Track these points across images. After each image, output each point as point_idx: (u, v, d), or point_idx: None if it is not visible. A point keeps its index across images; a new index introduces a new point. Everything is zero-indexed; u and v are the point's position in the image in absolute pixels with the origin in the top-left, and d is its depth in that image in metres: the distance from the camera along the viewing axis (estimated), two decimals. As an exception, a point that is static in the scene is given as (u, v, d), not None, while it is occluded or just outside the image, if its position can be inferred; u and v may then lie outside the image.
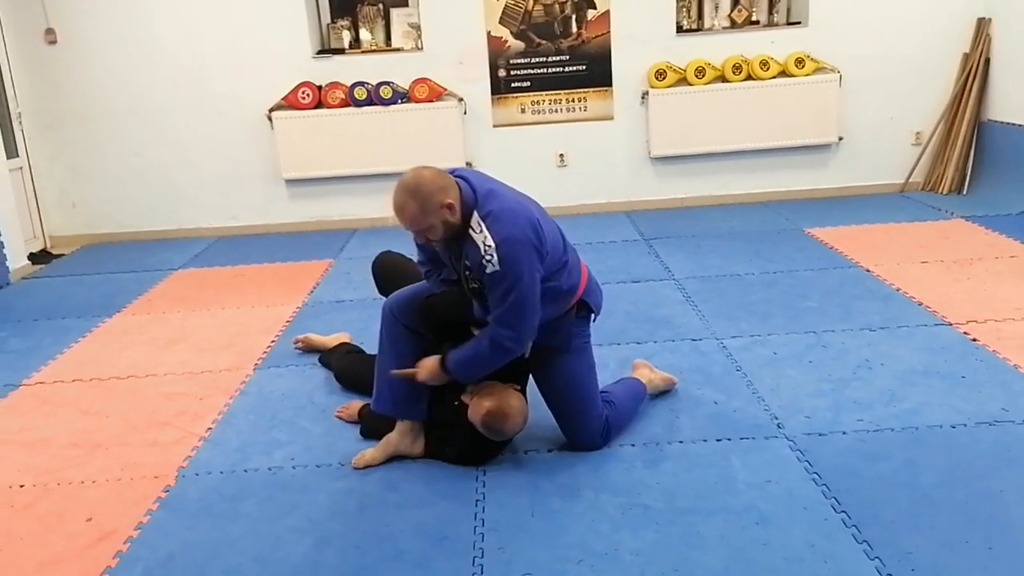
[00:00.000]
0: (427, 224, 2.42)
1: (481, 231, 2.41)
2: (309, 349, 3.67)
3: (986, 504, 2.34)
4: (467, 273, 2.50)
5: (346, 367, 3.33)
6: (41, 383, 3.59)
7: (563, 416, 2.77)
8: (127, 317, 4.38)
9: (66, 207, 6.00)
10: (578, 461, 2.72)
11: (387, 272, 3.23)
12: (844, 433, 2.76)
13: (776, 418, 2.90)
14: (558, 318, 2.65)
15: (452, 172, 2.53)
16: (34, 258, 5.62)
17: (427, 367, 2.61)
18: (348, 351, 3.46)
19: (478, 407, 2.60)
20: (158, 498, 2.63)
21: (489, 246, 2.39)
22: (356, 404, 3.03)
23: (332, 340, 3.61)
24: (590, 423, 2.74)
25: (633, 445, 2.78)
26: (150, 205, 5.99)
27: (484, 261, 2.39)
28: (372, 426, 2.89)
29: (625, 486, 2.56)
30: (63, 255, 5.79)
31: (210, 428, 3.07)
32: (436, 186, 2.41)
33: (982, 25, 5.64)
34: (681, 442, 2.79)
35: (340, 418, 3.06)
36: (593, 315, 2.78)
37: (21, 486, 2.76)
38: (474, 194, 2.47)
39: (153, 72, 5.72)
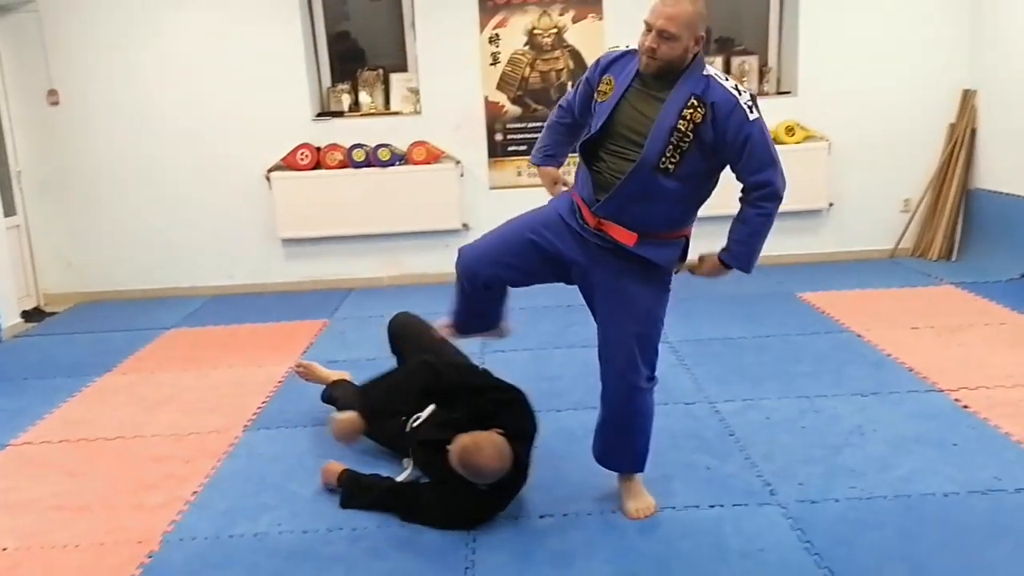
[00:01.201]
0: (678, 31, 2.32)
1: (730, 81, 2.40)
2: (308, 378, 3.65)
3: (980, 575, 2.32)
4: (682, 131, 2.37)
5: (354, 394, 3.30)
6: (28, 443, 3.56)
7: (623, 344, 2.61)
8: (117, 377, 4.36)
9: (62, 265, 6.02)
10: (569, 527, 2.69)
11: (402, 331, 3.26)
12: (837, 501, 2.75)
13: (769, 484, 2.88)
14: (675, 238, 2.57)
15: None
16: (27, 316, 5.62)
17: (711, 264, 2.58)
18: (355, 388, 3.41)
19: (455, 445, 2.62)
20: (141, 564, 2.59)
21: (745, 91, 2.38)
22: (336, 467, 2.97)
23: (334, 375, 3.60)
24: (632, 358, 2.61)
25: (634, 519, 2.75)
26: (146, 264, 6.01)
27: (745, 105, 2.35)
28: (353, 493, 2.86)
29: (618, 553, 2.53)
30: (56, 313, 5.78)
31: (196, 492, 3.04)
32: (705, 17, 2.39)
33: (967, 96, 5.78)
34: (674, 508, 2.76)
35: (322, 476, 3.00)
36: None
37: (4, 549, 2.71)
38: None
39: (153, 133, 5.79)
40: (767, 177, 2.43)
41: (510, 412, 2.81)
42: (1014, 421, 3.24)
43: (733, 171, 2.49)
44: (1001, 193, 5.52)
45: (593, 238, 2.57)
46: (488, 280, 2.74)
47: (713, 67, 2.45)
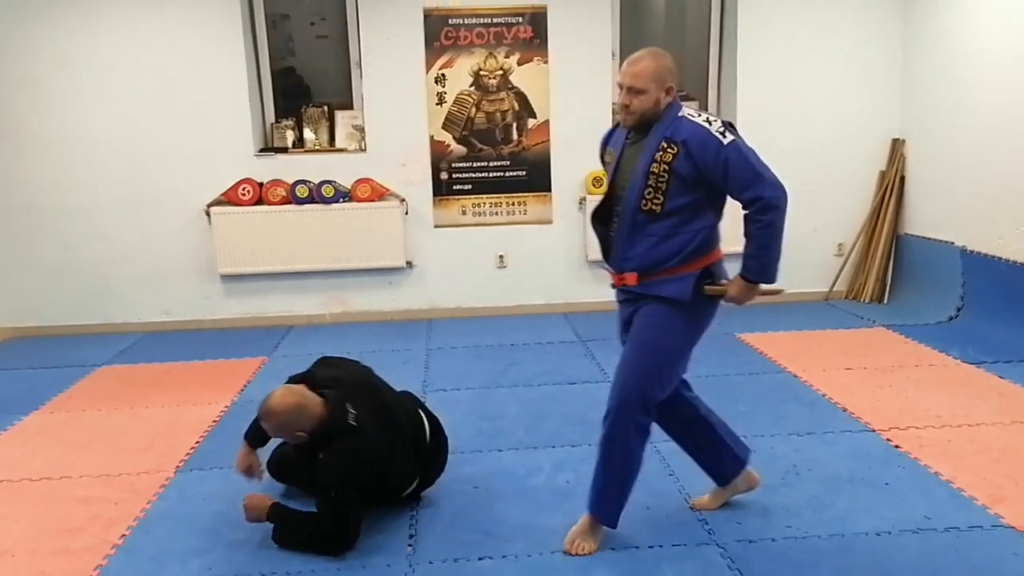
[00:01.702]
0: (644, 86, 2.55)
1: (701, 116, 2.54)
2: None
3: (912, 614, 2.35)
4: (657, 167, 2.55)
5: (282, 454, 3.23)
6: (-54, 485, 3.40)
7: (619, 369, 2.69)
8: (44, 415, 4.20)
9: (-11, 299, 5.82)
10: (509, 568, 2.66)
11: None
12: (773, 540, 2.77)
13: (707, 524, 2.90)
14: (686, 272, 2.63)
15: None
16: (-50, 351, 5.41)
17: (737, 285, 2.67)
18: None
19: None
20: (63, 611, 2.48)
21: (716, 120, 2.52)
22: (262, 501, 2.87)
23: None
24: (630, 384, 2.64)
25: (567, 552, 2.73)
26: (79, 299, 5.84)
27: (717, 133, 2.50)
28: (285, 530, 2.79)
29: (556, 596, 2.51)
30: (-18, 348, 5.58)
31: (124, 535, 2.93)
32: (671, 70, 2.60)
33: (896, 145, 6.01)
34: (613, 549, 2.76)
35: (246, 512, 2.88)
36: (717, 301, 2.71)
37: (-87, 598, 2.58)
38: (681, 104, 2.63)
39: (89, 165, 5.67)
40: (756, 192, 2.53)
41: (322, 366, 3.03)
42: (943, 461, 3.33)
43: (727, 193, 2.61)
44: (928, 239, 5.73)
45: (621, 295, 2.78)
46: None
47: (688, 108, 2.62)
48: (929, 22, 5.65)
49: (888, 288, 6.02)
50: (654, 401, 2.68)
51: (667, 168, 2.54)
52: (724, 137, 2.50)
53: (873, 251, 6.05)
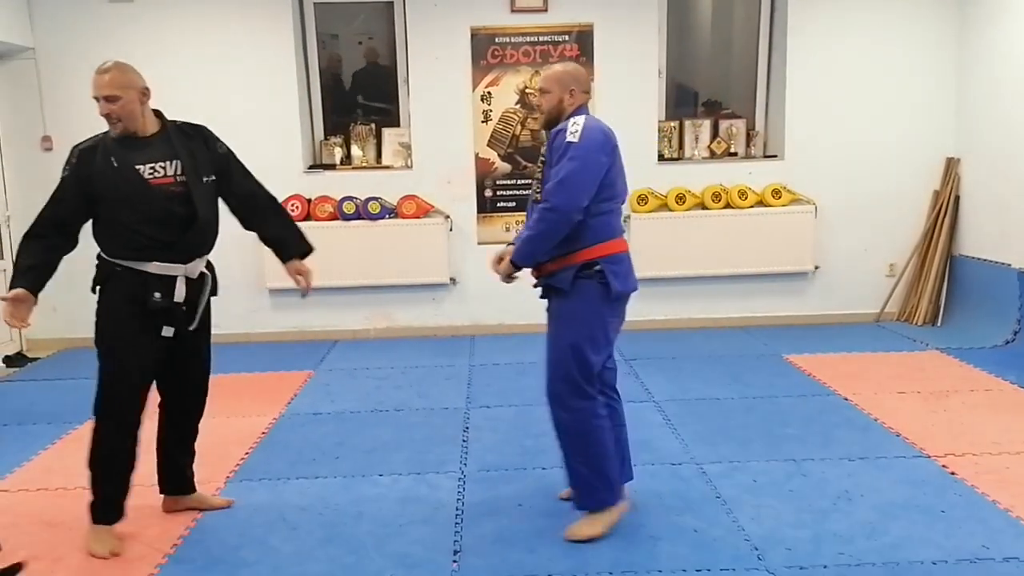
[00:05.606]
0: (548, 86, 2.90)
1: (575, 122, 2.80)
2: None
3: (971, 647, 2.29)
4: (541, 159, 2.88)
5: None
6: (5, 491, 3.49)
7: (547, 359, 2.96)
8: (99, 424, 4.29)
9: (47, 310, 5.96)
10: (554, 590, 2.64)
11: None
12: (825, 567, 2.72)
13: (756, 548, 2.85)
14: (567, 264, 2.85)
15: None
16: (9, 361, 5.55)
17: (505, 262, 2.93)
18: None
19: None
20: (116, 619, 2.52)
21: (576, 123, 2.78)
22: None
23: None
24: (550, 374, 2.92)
25: (611, 573, 2.71)
26: (131, 310, 5.95)
27: (569, 134, 2.75)
28: None
29: (602, 618, 2.49)
30: (39, 359, 5.72)
31: (175, 544, 2.97)
32: (577, 77, 2.91)
33: (951, 164, 5.89)
34: (660, 572, 2.72)
35: None
36: (610, 291, 2.84)
37: (-28, 602, 2.64)
38: (586, 112, 2.90)
39: (146, 180, 5.80)
40: (550, 187, 2.75)
41: None
42: (1001, 488, 3.24)
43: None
44: (984, 260, 5.60)
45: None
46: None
47: (589, 116, 2.86)
48: (984, 39, 5.56)
49: (942, 310, 5.89)
50: (578, 381, 2.86)
51: (543, 160, 2.85)
52: (574, 136, 2.73)
53: (926, 272, 5.93)
